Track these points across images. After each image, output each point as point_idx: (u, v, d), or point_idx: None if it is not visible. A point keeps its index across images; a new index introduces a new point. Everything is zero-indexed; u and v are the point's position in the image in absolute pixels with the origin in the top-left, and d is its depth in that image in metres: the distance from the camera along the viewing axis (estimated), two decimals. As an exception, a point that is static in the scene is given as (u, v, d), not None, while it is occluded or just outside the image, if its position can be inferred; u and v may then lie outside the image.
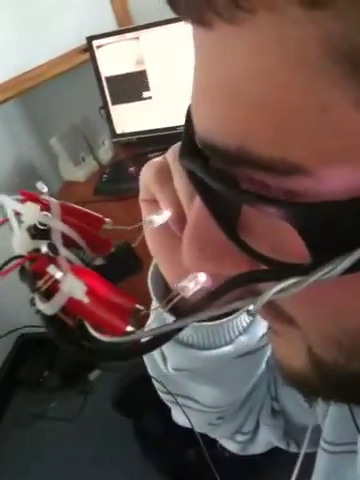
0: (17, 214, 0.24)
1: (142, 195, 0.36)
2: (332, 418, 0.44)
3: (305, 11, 0.15)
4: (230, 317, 0.41)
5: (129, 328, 0.23)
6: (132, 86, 1.41)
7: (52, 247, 0.23)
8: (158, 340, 0.23)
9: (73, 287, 0.21)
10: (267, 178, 0.19)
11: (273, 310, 0.26)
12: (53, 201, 0.26)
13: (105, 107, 1.44)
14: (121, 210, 1.19)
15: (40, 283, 0.22)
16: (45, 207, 0.26)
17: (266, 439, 0.57)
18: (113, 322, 0.23)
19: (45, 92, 1.48)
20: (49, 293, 0.22)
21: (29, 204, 0.24)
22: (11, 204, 0.23)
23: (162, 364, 0.47)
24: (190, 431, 0.52)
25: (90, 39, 1.37)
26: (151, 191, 0.35)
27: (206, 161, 0.22)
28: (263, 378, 0.54)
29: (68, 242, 0.26)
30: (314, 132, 0.17)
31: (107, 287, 0.23)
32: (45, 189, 0.27)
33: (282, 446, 0.56)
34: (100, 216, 0.29)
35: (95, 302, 0.22)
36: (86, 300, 0.21)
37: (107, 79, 1.42)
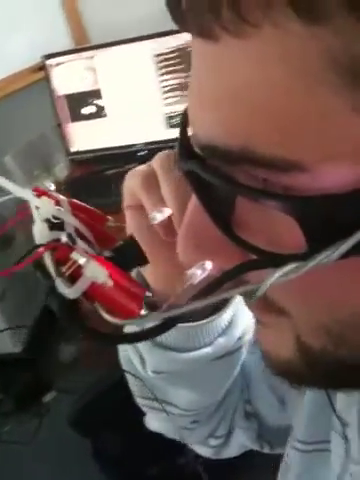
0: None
1: (127, 202, 0.37)
2: (304, 417, 0.45)
3: (306, 27, 0.16)
4: (210, 318, 0.43)
5: (143, 312, 0.25)
6: (87, 104, 1.42)
7: (70, 237, 0.25)
8: (166, 324, 0.25)
9: (96, 272, 0.23)
10: (266, 174, 0.20)
11: (263, 302, 0.27)
12: (62, 198, 0.28)
13: (60, 125, 1.45)
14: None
15: (64, 269, 0.23)
16: (56, 203, 0.27)
17: (240, 442, 0.57)
18: (129, 306, 0.25)
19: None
20: (72, 279, 0.23)
21: (44, 199, 0.26)
22: (31, 198, 0.25)
23: (140, 367, 0.47)
24: (150, 447, 0.51)
25: (46, 58, 1.38)
26: (137, 197, 0.36)
27: (203, 161, 0.23)
28: (237, 382, 0.54)
29: (78, 235, 0.27)
30: (314, 135, 0.19)
31: (121, 274, 0.25)
32: (52, 187, 0.28)
33: (256, 448, 0.57)
34: (103, 214, 0.31)
35: (114, 286, 0.24)
36: (110, 283, 0.23)
37: (63, 97, 1.43)
